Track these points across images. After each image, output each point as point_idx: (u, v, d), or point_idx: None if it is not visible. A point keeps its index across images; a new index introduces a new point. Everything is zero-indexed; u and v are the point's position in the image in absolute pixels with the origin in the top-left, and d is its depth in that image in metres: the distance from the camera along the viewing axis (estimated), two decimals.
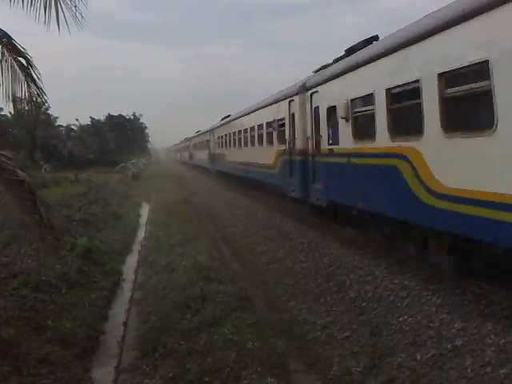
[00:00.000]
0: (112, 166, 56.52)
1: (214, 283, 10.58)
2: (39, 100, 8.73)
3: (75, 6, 7.64)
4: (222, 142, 33.91)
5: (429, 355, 6.48)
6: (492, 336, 6.32)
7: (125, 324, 9.95)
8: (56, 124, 64.12)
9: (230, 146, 30.65)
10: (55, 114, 62.67)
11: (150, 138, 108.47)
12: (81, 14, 7.69)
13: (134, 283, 12.74)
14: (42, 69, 8.42)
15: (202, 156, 48.67)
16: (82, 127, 68.99)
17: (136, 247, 17.57)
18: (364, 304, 8.65)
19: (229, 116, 33.26)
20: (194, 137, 58.41)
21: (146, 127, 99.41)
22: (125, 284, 12.99)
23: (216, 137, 37.38)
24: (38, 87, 8.45)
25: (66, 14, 7.65)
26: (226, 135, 32.30)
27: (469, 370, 5.86)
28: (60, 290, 10.63)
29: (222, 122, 34.97)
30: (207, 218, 22.06)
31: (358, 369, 6.72)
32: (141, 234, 20.20)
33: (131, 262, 15.44)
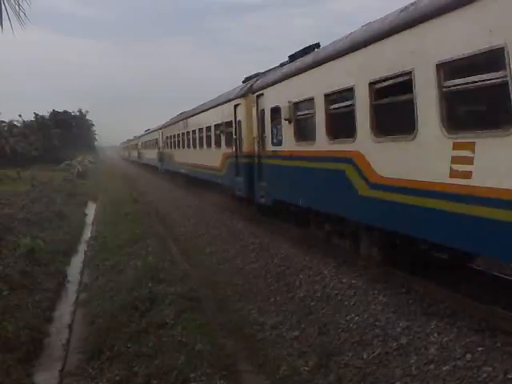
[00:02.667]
0: (57, 164, 54.99)
1: (163, 284, 10.44)
2: None
3: (19, 5, 7.49)
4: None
5: (375, 354, 6.62)
6: (435, 334, 6.52)
7: (70, 326, 9.69)
8: None
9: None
10: None
11: (96, 136, 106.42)
12: (24, 12, 7.54)
13: (80, 284, 12.42)
14: None
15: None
16: (25, 123, 66.75)
17: (82, 247, 17.13)
18: (313, 303, 8.74)
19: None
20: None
21: (92, 124, 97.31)
22: (70, 285, 12.66)
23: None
24: None
25: (10, 12, 7.45)
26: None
27: (413, 368, 6.02)
28: (1, 291, 10.25)
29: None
30: (156, 218, 21.77)
31: (307, 368, 6.78)
32: (87, 233, 19.71)
33: (77, 262, 15.06)
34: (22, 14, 7.54)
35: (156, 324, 8.45)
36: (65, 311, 10.69)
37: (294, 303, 9.03)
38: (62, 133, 70.67)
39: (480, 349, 5.93)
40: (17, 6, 7.50)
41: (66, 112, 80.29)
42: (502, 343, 6.00)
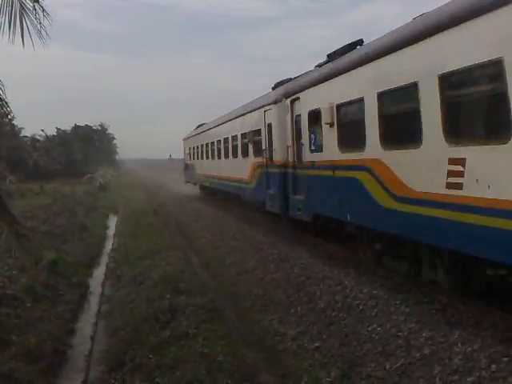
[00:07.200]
0: (79, 177, 55.74)
1: (183, 295, 10.47)
2: (2, 111, 8.61)
3: (40, 23, 7.72)
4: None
5: (398, 364, 6.53)
6: (459, 344, 6.41)
7: (92, 338, 9.76)
8: (21, 135, 63.00)
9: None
10: (20, 125, 61.79)
11: (118, 149, 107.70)
12: (45, 30, 7.76)
13: (101, 296, 12.53)
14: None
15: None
16: (47, 138, 67.88)
17: (103, 259, 17.29)
18: (334, 314, 8.67)
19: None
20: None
21: (113, 138, 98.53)
22: (92, 297, 12.77)
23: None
24: (0, 99, 8.31)
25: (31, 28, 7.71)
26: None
27: (437, 379, 5.92)
28: (25, 303, 10.37)
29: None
30: (176, 229, 21.87)
31: (329, 379, 6.70)
32: (108, 245, 19.89)
33: (98, 274, 15.18)
34: (43, 31, 7.73)
35: (177, 335, 8.46)
36: (87, 323, 10.77)
37: (314, 314, 8.97)
38: (84, 147, 71.70)
39: (505, 359, 5.83)
40: (38, 25, 7.71)
41: (87, 126, 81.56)
42: None
